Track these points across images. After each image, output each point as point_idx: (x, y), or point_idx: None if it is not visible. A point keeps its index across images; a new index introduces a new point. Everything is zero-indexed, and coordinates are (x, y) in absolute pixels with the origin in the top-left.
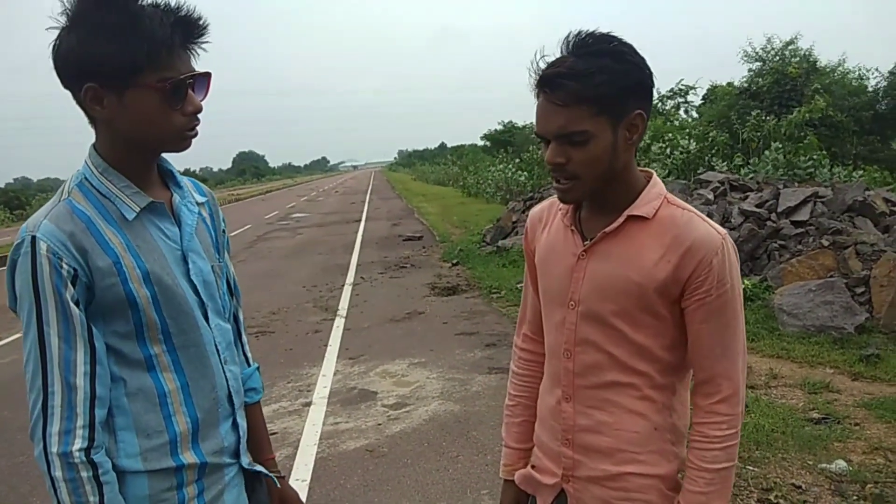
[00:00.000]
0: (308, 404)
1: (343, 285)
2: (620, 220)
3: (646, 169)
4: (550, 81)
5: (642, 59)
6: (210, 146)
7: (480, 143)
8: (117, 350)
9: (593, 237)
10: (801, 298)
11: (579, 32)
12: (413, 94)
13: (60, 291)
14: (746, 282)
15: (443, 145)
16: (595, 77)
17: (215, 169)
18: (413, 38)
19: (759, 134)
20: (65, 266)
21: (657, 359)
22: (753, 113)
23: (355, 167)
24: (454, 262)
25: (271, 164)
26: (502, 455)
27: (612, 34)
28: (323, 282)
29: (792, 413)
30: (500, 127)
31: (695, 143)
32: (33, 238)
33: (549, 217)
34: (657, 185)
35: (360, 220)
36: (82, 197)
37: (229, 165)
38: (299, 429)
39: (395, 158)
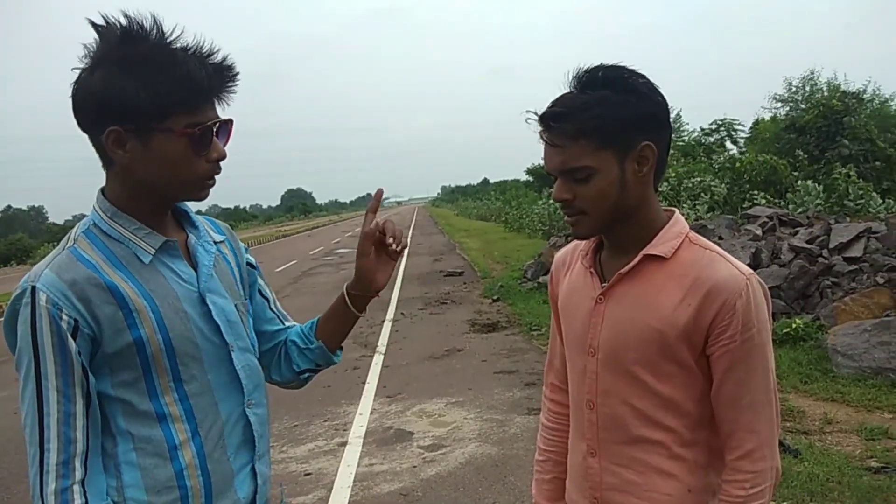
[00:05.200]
0: (344, 444)
1: (383, 321)
2: (636, 259)
3: (669, 208)
4: (549, 119)
5: (650, 87)
6: (259, 184)
7: (523, 177)
8: (125, 401)
9: (611, 279)
10: (855, 339)
11: (585, 67)
12: (456, 131)
13: (60, 343)
14: (798, 320)
15: (485, 181)
16: (592, 110)
17: (265, 206)
18: (458, 77)
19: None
20: (65, 317)
21: (686, 413)
22: (798, 152)
23: (399, 203)
24: (495, 297)
25: (318, 201)
26: None
27: (619, 65)
28: (363, 318)
29: (848, 461)
30: (543, 161)
31: (724, 187)
32: (33, 288)
33: (571, 260)
34: (678, 224)
35: (401, 256)
36: (88, 244)
37: (278, 202)
38: (334, 469)
39: (439, 194)
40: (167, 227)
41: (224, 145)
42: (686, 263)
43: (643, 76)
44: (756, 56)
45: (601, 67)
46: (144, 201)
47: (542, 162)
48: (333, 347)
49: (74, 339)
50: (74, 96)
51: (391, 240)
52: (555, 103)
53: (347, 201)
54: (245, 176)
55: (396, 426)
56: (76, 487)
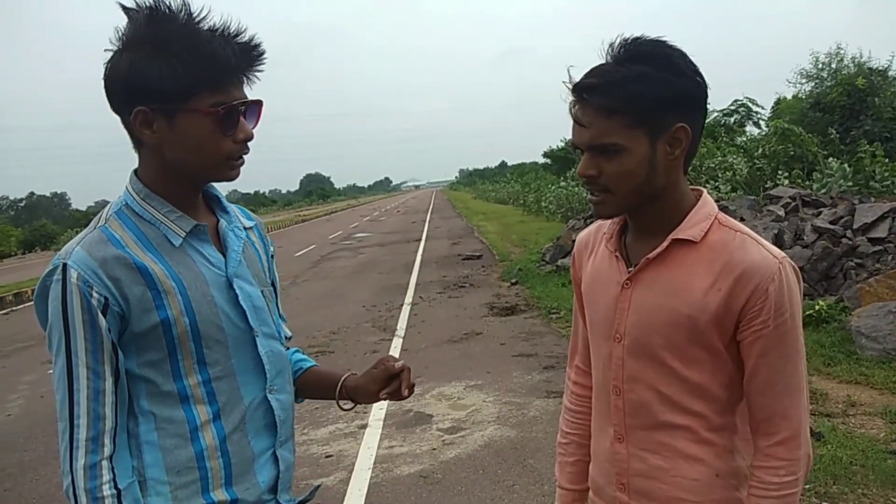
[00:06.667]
0: (364, 426)
1: (402, 305)
2: (665, 244)
3: (697, 187)
4: (583, 90)
5: (691, 66)
6: (278, 169)
7: (541, 160)
8: (149, 380)
9: (638, 263)
10: (880, 320)
11: (624, 38)
12: (474, 114)
13: (90, 320)
14: (821, 302)
15: (503, 164)
16: (629, 86)
17: (283, 191)
18: (475, 59)
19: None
20: (95, 294)
21: (714, 398)
22: (830, 130)
23: (417, 187)
24: (513, 281)
25: (336, 186)
26: (556, 497)
27: (660, 39)
28: (382, 301)
29: (872, 444)
30: (561, 144)
31: (745, 167)
32: (64, 266)
33: (595, 243)
34: (707, 205)
35: (420, 240)
36: (119, 225)
37: (297, 187)
38: (354, 452)
39: (456, 177)
40: (198, 211)
41: (253, 127)
42: (716, 247)
43: (684, 53)
44: (773, 36)
45: (641, 41)
46: (175, 182)
47: (559, 145)
48: (302, 397)
49: (105, 317)
50: (105, 79)
51: (406, 392)
52: (590, 74)
53: (365, 185)
54: (264, 161)
55: (416, 409)
56: (105, 463)
